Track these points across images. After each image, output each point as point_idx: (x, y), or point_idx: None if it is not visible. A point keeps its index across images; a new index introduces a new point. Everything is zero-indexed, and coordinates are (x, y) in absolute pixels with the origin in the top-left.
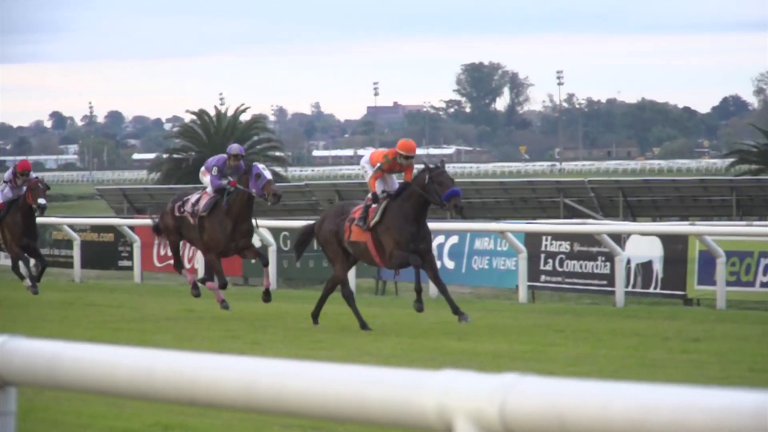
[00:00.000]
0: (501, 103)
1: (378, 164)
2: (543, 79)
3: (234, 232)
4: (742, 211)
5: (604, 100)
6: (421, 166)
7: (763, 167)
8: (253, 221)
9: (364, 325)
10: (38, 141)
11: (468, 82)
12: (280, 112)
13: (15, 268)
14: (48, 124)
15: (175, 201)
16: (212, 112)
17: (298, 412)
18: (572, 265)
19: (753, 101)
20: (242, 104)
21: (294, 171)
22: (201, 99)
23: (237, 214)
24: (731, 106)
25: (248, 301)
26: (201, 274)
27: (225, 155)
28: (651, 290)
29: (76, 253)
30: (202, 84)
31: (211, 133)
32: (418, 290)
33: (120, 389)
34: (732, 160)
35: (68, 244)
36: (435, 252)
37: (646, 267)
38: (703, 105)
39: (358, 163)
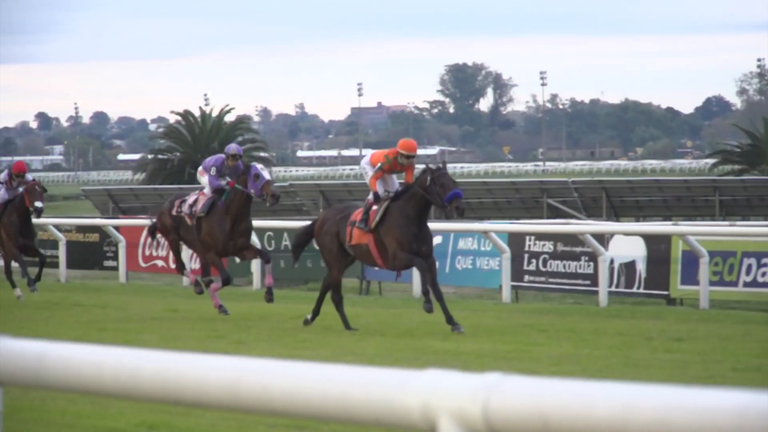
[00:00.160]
0: (485, 104)
1: (379, 164)
2: (526, 80)
3: (232, 231)
4: (725, 211)
5: (587, 101)
6: (423, 167)
7: (746, 167)
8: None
9: (348, 327)
10: (24, 142)
11: (452, 83)
12: (265, 112)
13: (7, 272)
14: (33, 124)
15: (173, 201)
16: (197, 113)
17: (282, 411)
18: (556, 265)
19: (736, 102)
20: (227, 105)
21: (278, 171)
22: (186, 100)
23: (235, 214)
24: (714, 107)
25: (233, 300)
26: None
27: (223, 155)
28: (634, 290)
29: (62, 253)
30: (187, 85)
31: (196, 133)
32: (426, 292)
33: (105, 389)
34: (715, 160)
35: (54, 244)
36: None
37: (629, 267)
38: (686, 105)
39: (341, 164)
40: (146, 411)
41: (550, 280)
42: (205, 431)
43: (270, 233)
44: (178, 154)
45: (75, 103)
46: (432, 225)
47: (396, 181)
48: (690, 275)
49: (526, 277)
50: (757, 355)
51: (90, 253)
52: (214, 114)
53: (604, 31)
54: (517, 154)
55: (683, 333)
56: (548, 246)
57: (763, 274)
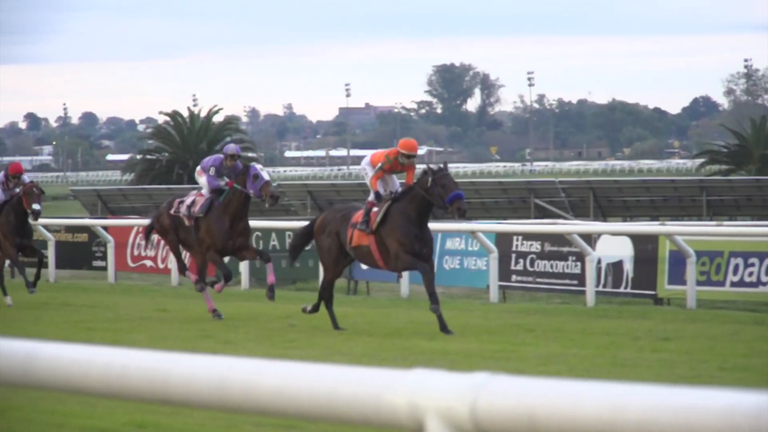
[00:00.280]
0: (472, 104)
1: (379, 164)
2: (514, 80)
3: (231, 230)
4: (712, 211)
5: (574, 101)
6: (423, 167)
7: (733, 168)
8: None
9: (336, 326)
10: (13, 142)
11: (439, 83)
12: (253, 113)
13: None
14: (23, 125)
15: (171, 202)
16: (185, 114)
17: (270, 410)
18: (543, 265)
19: (723, 102)
20: (215, 105)
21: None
22: (174, 100)
23: (233, 213)
24: (701, 107)
25: (220, 300)
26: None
27: (221, 155)
28: (621, 290)
29: (51, 253)
30: (176, 85)
31: (185, 134)
32: (432, 293)
33: (94, 388)
34: (702, 160)
35: (43, 244)
36: None
37: (616, 267)
38: (674, 106)
39: (329, 165)
40: (135, 410)
41: (538, 280)
42: (194, 430)
43: (258, 233)
44: (166, 154)
45: (64, 104)
46: None
47: (396, 181)
48: (677, 275)
49: (514, 277)
50: (744, 354)
51: (79, 253)
52: (203, 114)
53: (591, 31)
54: (505, 154)
55: (670, 333)
56: (536, 246)
57: (750, 274)
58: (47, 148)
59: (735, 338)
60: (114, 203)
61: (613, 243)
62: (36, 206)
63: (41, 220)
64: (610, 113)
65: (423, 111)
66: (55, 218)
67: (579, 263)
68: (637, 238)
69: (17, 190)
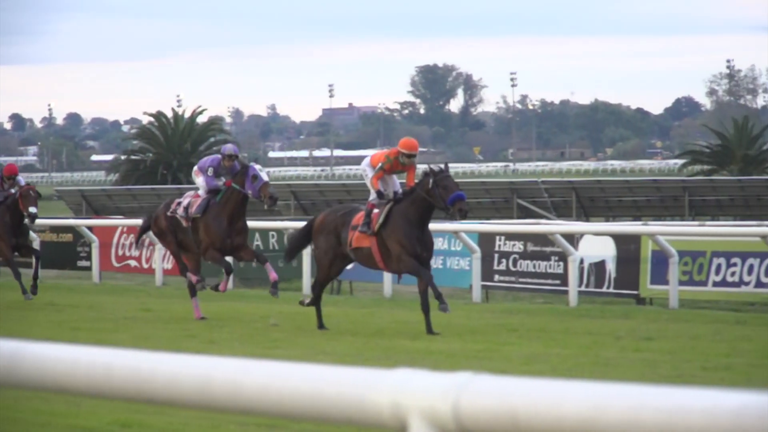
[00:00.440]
0: (455, 105)
1: (380, 164)
2: (496, 81)
3: (230, 228)
4: (695, 211)
5: (557, 102)
6: (425, 167)
7: (715, 168)
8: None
9: (321, 325)
10: None
11: (422, 84)
12: (237, 113)
13: None
14: (7, 126)
15: (168, 203)
16: (170, 114)
17: (253, 410)
18: (526, 265)
19: (705, 102)
20: (199, 106)
21: None
22: (158, 101)
23: (231, 212)
24: (684, 107)
25: (204, 300)
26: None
27: (219, 156)
28: (604, 290)
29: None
30: (160, 86)
31: (169, 134)
32: (438, 295)
33: (78, 388)
34: (684, 160)
35: None
36: None
37: (599, 267)
38: (656, 106)
39: (313, 165)
40: (119, 410)
41: (521, 279)
42: (178, 430)
43: None
44: (151, 155)
45: (49, 105)
46: None
47: (397, 182)
48: (659, 275)
49: (497, 277)
50: (726, 354)
51: (63, 253)
52: (187, 115)
53: (574, 32)
54: (488, 154)
55: (653, 332)
56: (518, 246)
57: (732, 274)
58: (32, 149)
59: (717, 338)
60: (99, 203)
61: (595, 243)
62: (32, 209)
63: (26, 220)
64: (592, 114)
65: (406, 111)
66: (40, 218)
67: (562, 263)
68: (619, 238)
69: (12, 191)
